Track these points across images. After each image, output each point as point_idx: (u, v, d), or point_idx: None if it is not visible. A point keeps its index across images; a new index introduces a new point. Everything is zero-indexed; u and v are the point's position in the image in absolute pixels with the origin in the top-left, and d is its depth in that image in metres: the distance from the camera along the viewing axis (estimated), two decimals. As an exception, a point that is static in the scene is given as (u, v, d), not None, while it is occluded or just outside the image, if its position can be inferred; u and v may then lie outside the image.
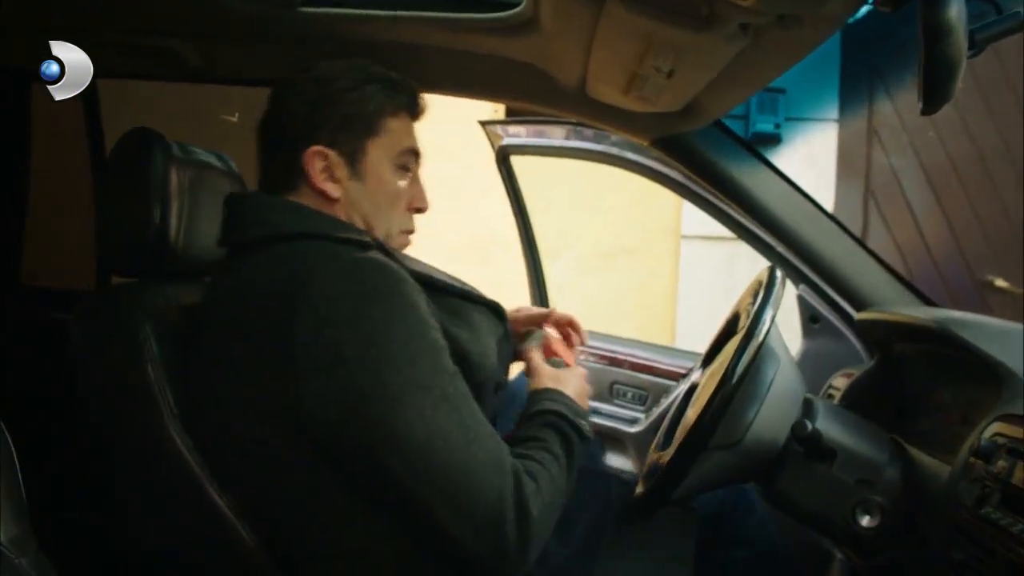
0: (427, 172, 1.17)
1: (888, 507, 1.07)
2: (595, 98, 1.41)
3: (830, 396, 1.49)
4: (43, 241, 1.90)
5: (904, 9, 0.79)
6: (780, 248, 1.61)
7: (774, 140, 3.64)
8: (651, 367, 2.09)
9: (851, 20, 0.99)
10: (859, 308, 1.54)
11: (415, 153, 1.12)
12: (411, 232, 1.14)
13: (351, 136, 1.06)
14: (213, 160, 1.22)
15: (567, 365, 1.18)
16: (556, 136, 2.08)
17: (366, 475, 0.94)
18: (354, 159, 1.06)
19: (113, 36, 1.45)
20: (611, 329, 2.25)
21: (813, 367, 1.58)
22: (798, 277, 1.64)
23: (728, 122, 1.55)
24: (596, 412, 2.03)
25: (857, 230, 3.70)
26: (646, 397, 2.04)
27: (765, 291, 1.10)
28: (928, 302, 1.52)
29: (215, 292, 1.07)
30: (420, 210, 1.14)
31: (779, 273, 1.13)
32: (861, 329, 1.53)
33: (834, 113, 3.74)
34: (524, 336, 1.26)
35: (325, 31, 1.36)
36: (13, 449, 0.73)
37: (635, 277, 3.82)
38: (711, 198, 1.77)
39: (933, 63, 0.69)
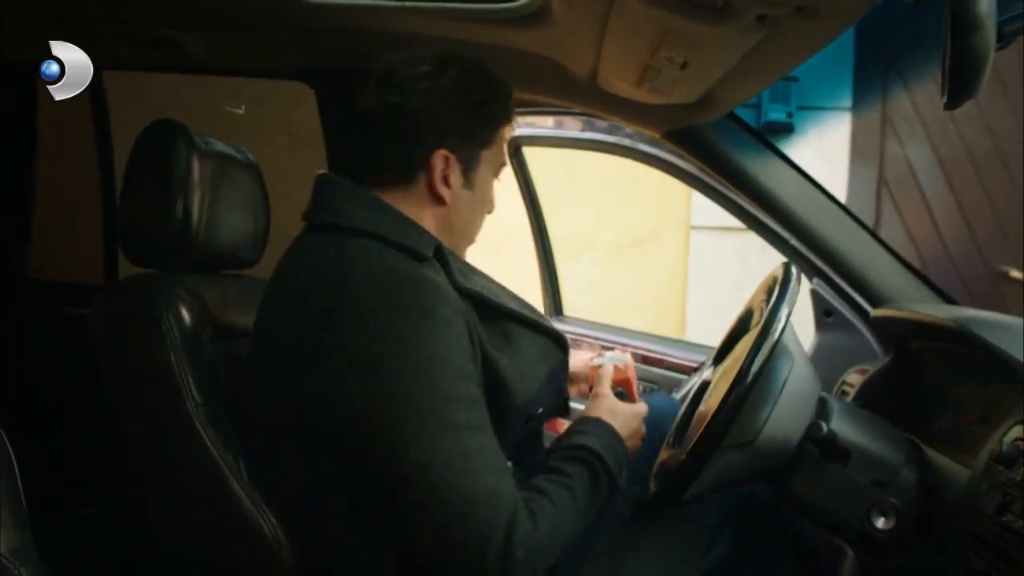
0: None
1: (903, 509, 1.05)
2: (607, 90, 1.39)
3: (844, 393, 1.47)
4: (50, 235, 1.89)
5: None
6: (794, 241, 1.58)
7: (786, 129, 3.61)
8: (662, 360, 2.07)
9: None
10: (874, 303, 1.52)
11: (506, 165, 1.15)
12: (480, 231, 1.16)
13: (472, 145, 1.07)
14: (233, 152, 1.22)
15: (632, 399, 1.17)
16: (569, 127, 2.06)
17: (366, 482, 0.95)
18: (469, 168, 1.07)
19: (119, 28, 1.45)
20: (621, 319, 2.24)
21: (826, 362, 1.56)
22: (812, 270, 1.61)
23: (739, 111, 1.52)
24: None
25: (870, 219, 3.67)
26: (657, 391, 2.03)
27: (780, 288, 1.07)
28: (946, 298, 1.49)
29: (279, 266, 1.07)
30: (489, 212, 1.16)
31: (794, 270, 1.11)
32: (877, 325, 1.51)
33: (847, 102, 3.70)
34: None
35: (333, 22, 1.35)
36: (12, 455, 0.71)
37: (645, 268, 3.81)
38: (724, 190, 1.75)
39: (960, 57, 0.66)
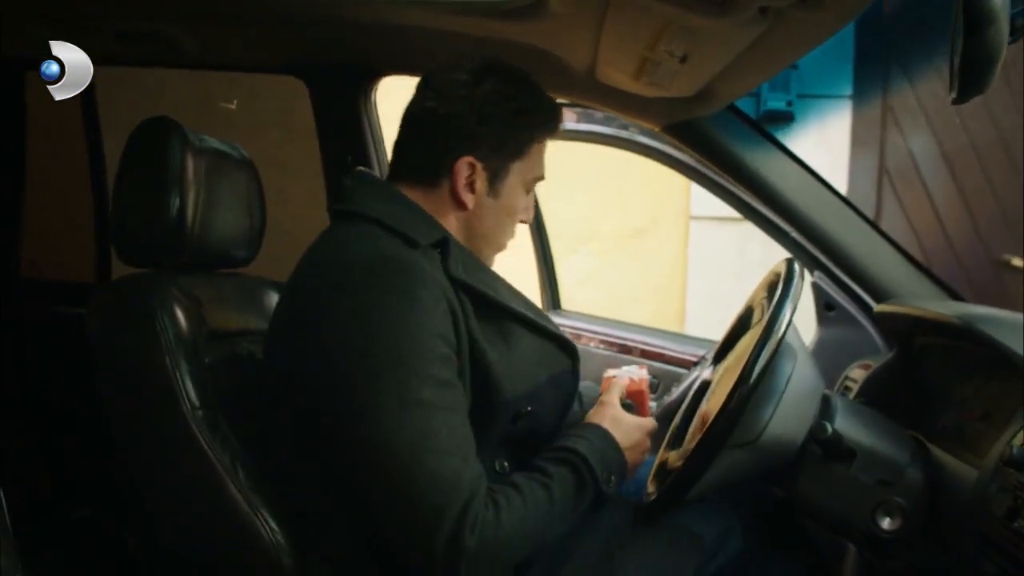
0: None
1: (909, 509, 1.04)
2: (605, 83, 1.37)
3: (847, 388, 1.46)
4: (41, 233, 1.87)
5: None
6: (794, 234, 1.57)
7: (786, 118, 3.58)
8: (661, 355, 2.05)
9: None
10: (877, 297, 1.50)
11: (542, 177, 1.14)
12: (511, 238, 1.16)
13: (503, 156, 1.07)
14: (227, 149, 1.21)
15: (641, 414, 1.15)
16: (566, 119, 2.04)
17: (338, 461, 0.96)
18: (496, 177, 1.08)
19: (108, 22, 1.42)
20: (620, 310, 2.23)
21: (828, 357, 1.54)
22: (813, 264, 1.60)
23: (738, 100, 1.50)
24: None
25: (871, 208, 3.65)
26: (656, 385, 2.01)
27: (784, 286, 1.06)
28: (951, 292, 1.48)
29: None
30: (524, 222, 1.16)
31: (797, 267, 1.09)
32: (880, 321, 1.49)
33: (848, 90, 3.67)
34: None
35: (325, 15, 1.32)
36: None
37: (644, 259, 3.79)
38: (724, 182, 1.73)
39: (972, 51, 0.64)
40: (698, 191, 3.60)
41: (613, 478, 1.04)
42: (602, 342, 2.11)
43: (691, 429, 1.17)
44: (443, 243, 1.03)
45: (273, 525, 1.02)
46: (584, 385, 1.42)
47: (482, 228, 1.10)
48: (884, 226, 1.56)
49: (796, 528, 1.18)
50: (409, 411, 0.91)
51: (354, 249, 0.99)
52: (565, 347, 1.13)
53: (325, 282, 0.99)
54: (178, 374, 1.04)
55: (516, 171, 1.09)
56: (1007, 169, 3.35)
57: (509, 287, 1.11)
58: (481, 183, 1.07)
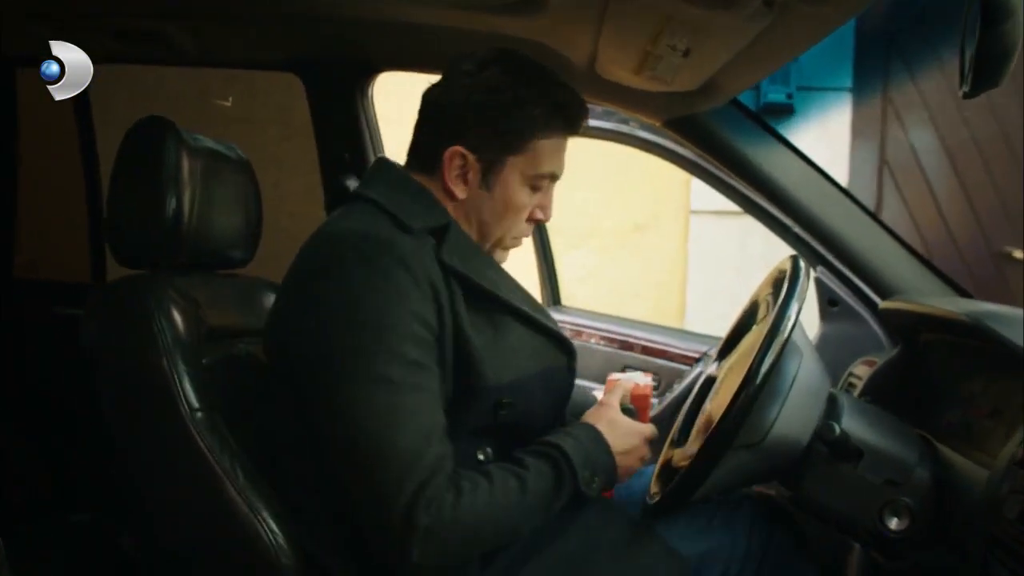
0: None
1: (917, 509, 1.03)
2: (606, 77, 1.35)
3: (851, 385, 1.45)
4: (36, 233, 1.85)
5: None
6: (797, 228, 1.55)
7: (786, 111, 3.56)
8: (663, 351, 2.04)
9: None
10: (880, 293, 1.49)
11: (552, 176, 1.11)
12: (522, 237, 1.14)
13: (494, 149, 1.05)
14: (223, 149, 1.20)
15: (642, 420, 1.13)
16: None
17: (316, 437, 0.98)
18: (489, 170, 1.06)
19: (104, 20, 1.41)
20: (621, 306, 2.21)
21: (832, 352, 1.53)
22: (816, 259, 1.59)
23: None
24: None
25: (871, 200, 3.64)
26: (658, 383, 2.00)
27: (789, 284, 1.04)
28: (955, 287, 1.46)
29: None
30: (539, 220, 1.13)
31: (803, 264, 1.08)
32: (885, 317, 1.48)
33: (848, 82, 3.65)
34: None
35: (322, 11, 1.31)
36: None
37: (644, 254, 3.78)
38: (725, 177, 1.72)
39: (988, 45, 0.62)
40: (698, 186, 3.58)
41: (597, 479, 1.03)
42: (603, 338, 2.10)
43: (695, 427, 1.16)
44: (443, 229, 1.04)
45: (273, 526, 1.02)
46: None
47: (475, 221, 1.09)
48: (885, 219, 1.54)
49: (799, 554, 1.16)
50: (376, 386, 0.92)
51: (343, 226, 1.02)
52: (561, 344, 1.12)
53: (313, 257, 1.02)
54: (176, 376, 1.03)
55: (513, 166, 1.06)
56: (1008, 161, 3.33)
57: (511, 281, 1.10)
58: (474, 175, 1.06)
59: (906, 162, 3.60)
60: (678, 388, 1.93)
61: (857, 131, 3.66)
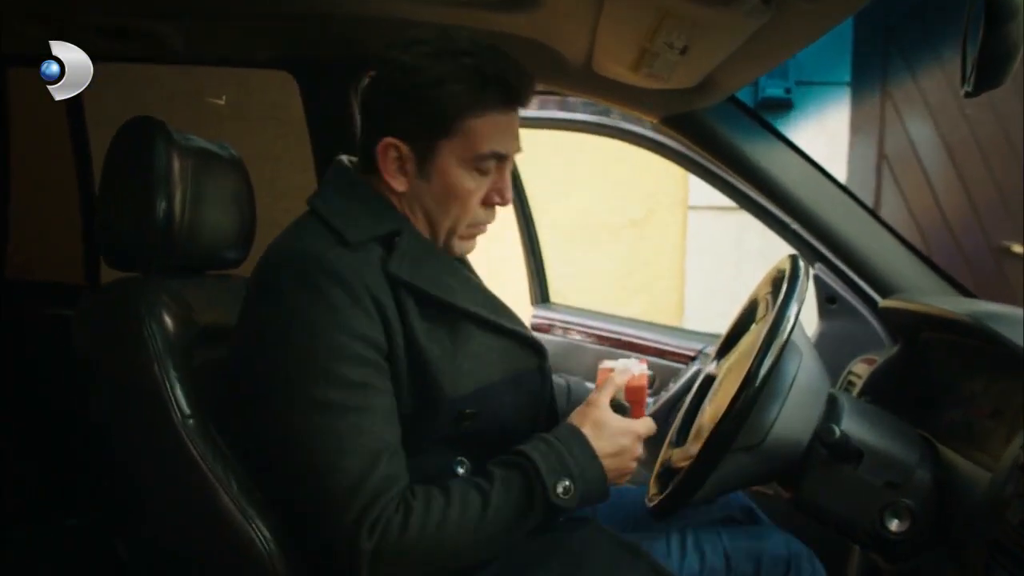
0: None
1: (918, 511, 1.02)
2: (602, 74, 1.34)
3: (850, 383, 1.44)
4: (29, 234, 1.84)
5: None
6: (795, 225, 1.54)
7: (785, 105, 3.55)
8: (657, 349, 2.02)
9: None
10: (880, 290, 1.48)
11: (496, 156, 1.02)
12: (482, 225, 1.07)
13: (424, 134, 1.00)
14: (215, 148, 1.18)
15: (635, 415, 1.03)
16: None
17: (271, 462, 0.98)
18: (424, 158, 1.01)
19: (92, 18, 1.39)
20: (619, 301, 2.20)
21: (830, 350, 1.52)
22: (814, 256, 1.58)
23: (736, 90, 1.47)
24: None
25: (870, 194, 3.62)
26: (653, 380, 1.98)
27: (789, 284, 1.03)
28: (955, 285, 1.45)
29: None
30: (497, 204, 1.06)
31: (802, 263, 1.07)
32: (884, 315, 1.47)
33: (846, 76, 3.63)
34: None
35: (315, 8, 1.29)
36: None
37: (642, 250, 3.77)
38: (722, 173, 1.71)
39: (992, 46, 0.61)
40: (696, 181, 3.57)
41: (576, 488, 0.95)
42: (593, 336, 2.06)
43: (694, 427, 1.15)
44: (392, 236, 1.00)
45: (267, 534, 1.00)
46: (575, 381, 1.39)
47: (421, 213, 1.04)
48: (883, 213, 1.54)
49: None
50: (315, 412, 0.91)
51: (285, 246, 1.00)
52: (529, 345, 1.07)
53: (256, 277, 1.01)
54: (167, 383, 1.02)
55: (447, 150, 1.00)
56: (1007, 156, 3.32)
57: (470, 283, 1.06)
58: (411, 165, 1.01)
59: (905, 156, 3.59)
60: (674, 387, 1.92)
61: (856, 126, 3.65)
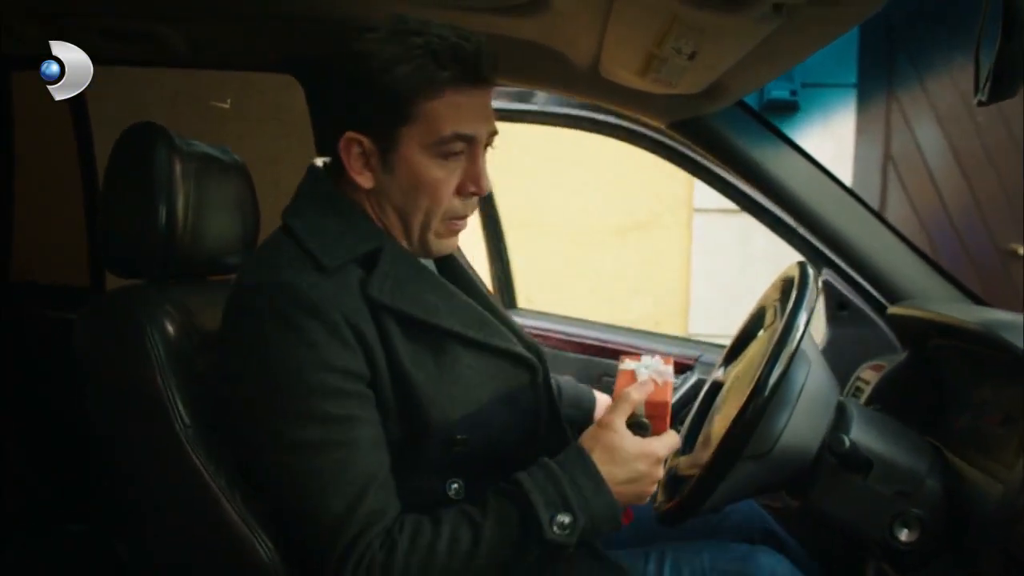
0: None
1: (928, 521, 1.01)
2: (609, 79, 1.33)
3: (858, 390, 1.43)
4: (34, 237, 1.83)
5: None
6: (803, 231, 1.53)
7: (791, 108, 3.54)
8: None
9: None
10: (889, 296, 1.47)
11: (461, 138, 0.95)
12: (462, 217, 1.01)
13: (383, 123, 0.94)
14: (217, 153, 1.17)
15: (658, 431, 0.94)
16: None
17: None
18: (386, 149, 0.95)
19: (93, 20, 1.38)
20: (623, 304, 2.16)
21: (839, 356, 1.50)
22: (823, 262, 1.57)
23: (743, 94, 1.45)
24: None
25: (876, 196, 3.61)
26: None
27: (798, 292, 1.02)
28: (964, 291, 1.44)
29: None
30: (473, 194, 0.99)
31: (811, 271, 1.06)
32: (893, 322, 1.46)
33: (852, 78, 3.62)
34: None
35: (317, 11, 1.28)
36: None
37: (648, 252, 3.76)
38: (729, 177, 1.70)
39: (1010, 54, 0.60)
40: (701, 183, 3.56)
41: (573, 523, 0.87)
42: (570, 344, 1.94)
43: (702, 435, 1.14)
44: (373, 255, 0.96)
45: (270, 545, 0.99)
46: (565, 380, 1.35)
47: (394, 209, 0.98)
48: (889, 215, 1.53)
49: None
50: (295, 453, 0.89)
51: (259, 277, 0.95)
52: (521, 362, 1.03)
53: (233, 307, 0.97)
54: (170, 392, 1.01)
55: (408, 137, 0.94)
56: (1014, 159, 3.31)
57: (452, 299, 1.00)
58: (375, 159, 0.95)
59: (910, 159, 3.58)
60: (673, 397, 1.87)
61: (862, 127, 3.64)
